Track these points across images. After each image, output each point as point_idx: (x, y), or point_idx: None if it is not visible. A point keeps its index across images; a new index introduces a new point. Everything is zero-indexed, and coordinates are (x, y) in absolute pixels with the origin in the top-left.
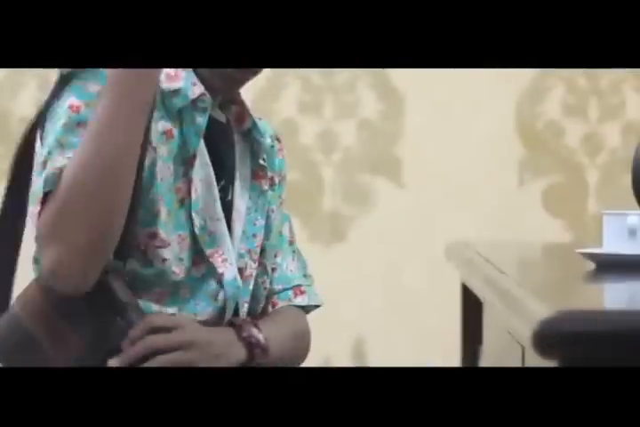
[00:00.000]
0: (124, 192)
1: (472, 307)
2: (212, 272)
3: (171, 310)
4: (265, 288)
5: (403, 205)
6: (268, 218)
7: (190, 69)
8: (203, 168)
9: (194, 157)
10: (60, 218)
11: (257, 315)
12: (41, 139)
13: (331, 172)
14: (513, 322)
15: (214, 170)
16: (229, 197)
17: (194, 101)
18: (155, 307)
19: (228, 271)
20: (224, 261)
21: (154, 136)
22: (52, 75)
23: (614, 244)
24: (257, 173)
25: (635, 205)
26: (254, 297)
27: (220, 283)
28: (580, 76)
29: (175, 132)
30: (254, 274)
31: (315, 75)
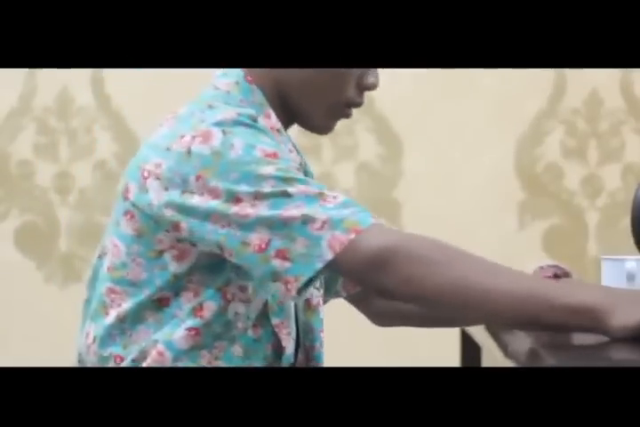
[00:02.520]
0: None
1: (471, 351)
2: (268, 338)
3: (222, 363)
4: None
5: None
6: None
7: (285, 134)
8: None
9: None
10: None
11: None
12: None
13: None
14: None
15: None
16: None
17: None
18: (204, 360)
19: (289, 346)
20: (288, 334)
21: None
22: (51, 119)
23: None
24: None
25: (634, 247)
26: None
27: (279, 355)
28: (579, 118)
29: None
30: (321, 302)
31: None
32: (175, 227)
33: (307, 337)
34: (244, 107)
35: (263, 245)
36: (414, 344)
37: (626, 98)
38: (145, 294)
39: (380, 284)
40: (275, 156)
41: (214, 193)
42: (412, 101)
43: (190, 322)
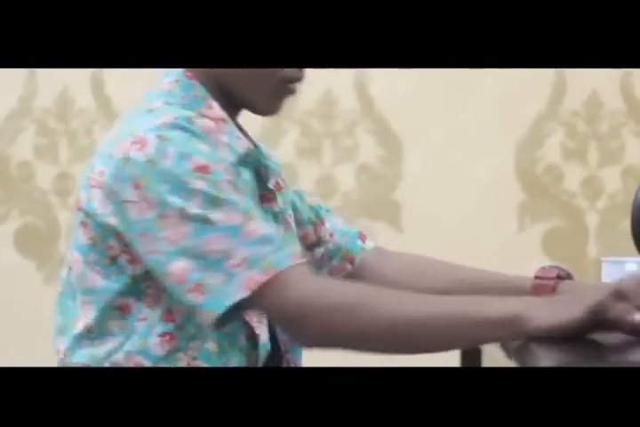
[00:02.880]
0: None
1: (471, 356)
2: (240, 330)
3: (201, 363)
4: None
5: (402, 249)
6: (294, 210)
7: (230, 122)
8: None
9: None
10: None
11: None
12: None
13: None
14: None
15: None
16: None
17: (242, 157)
18: (183, 362)
19: (263, 333)
20: (259, 322)
21: None
22: (50, 121)
23: None
24: (266, 196)
25: (634, 249)
26: None
27: (255, 345)
28: (579, 120)
29: None
30: None
31: (314, 121)
32: (118, 235)
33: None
34: (185, 103)
35: (182, 278)
36: None
37: (626, 100)
38: (105, 300)
39: (297, 336)
40: (206, 169)
41: (149, 203)
42: (412, 103)
43: (161, 328)
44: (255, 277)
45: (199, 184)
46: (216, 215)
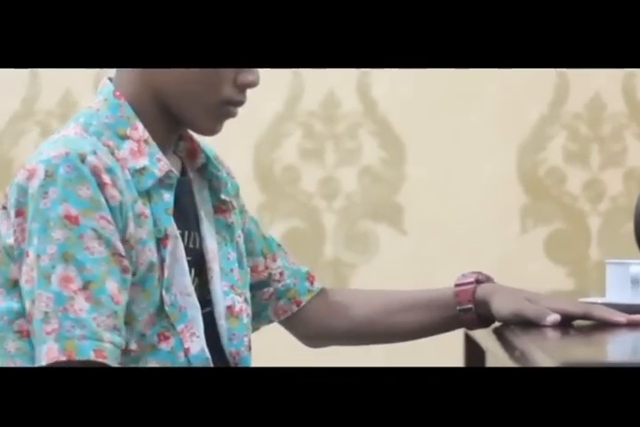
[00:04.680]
0: None
1: (475, 355)
2: (180, 347)
3: None
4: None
5: (405, 251)
6: (249, 237)
7: (153, 144)
8: (172, 241)
9: (166, 237)
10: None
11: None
12: None
13: (332, 218)
14: None
15: (176, 222)
16: (198, 246)
17: (161, 179)
18: None
19: (194, 345)
20: (192, 335)
21: (133, 220)
22: (54, 122)
23: (617, 293)
24: (219, 207)
25: (636, 252)
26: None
27: (187, 357)
28: (581, 123)
29: (147, 212)
30: (244, 307)
31: (317, 122)
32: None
33: (231, 343)
34: (109, 123)
35: (28, 317)
36: (418, 349)
37: (628, 102)
38: (5, 320)
39: None
40: (75, 221)
41: (23, 233)
42: (414, 105)
43: None
44: (55, 353)
45: (60, 234)
46: (57, 275)
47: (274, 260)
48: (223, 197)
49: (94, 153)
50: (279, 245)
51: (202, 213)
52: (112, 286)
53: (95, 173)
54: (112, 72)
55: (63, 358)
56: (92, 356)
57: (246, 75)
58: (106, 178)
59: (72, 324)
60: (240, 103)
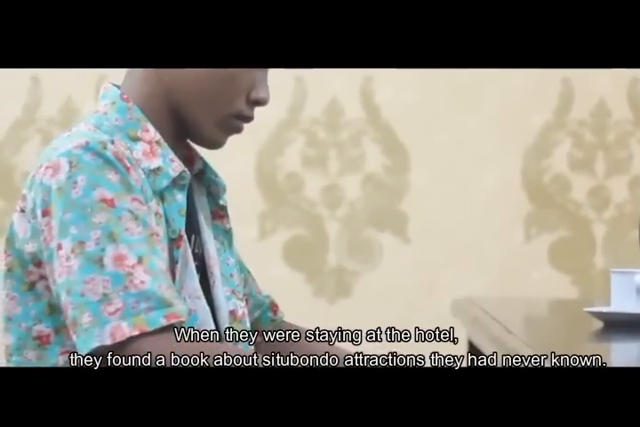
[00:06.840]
0: None
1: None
2: None
3: None
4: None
5: (408, 260)
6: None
7: (165, 145)
8: (184, 243)
9: (180, 237)
10: None
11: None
12: None
13: (336, 226)
14: None
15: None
16: (200, 251)
17: (175, 180)
18: None
19: None
20: None
21: (153, 216)
22: (56, 130)
23: (622, 302)
24: (217, 213)
25: None
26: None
27: None
28: (586, 130)
29: (161, 212)
30: (246, 312)
31: (320, 129)
32: (37, 262)
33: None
34: (119, 125)
35: (67, 312)
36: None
37: (633, 109)
38: (23, 327)
39: None
40: (111, 202)
41: (53, 231)
42: (418, 112)
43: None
44: (124, 329)
45: (100, 217)
46: (109, 257)
47: (245, 283)
48: (221, 202)
49: (112, 142)
50: (249, 272)
51: (201, 219)
52: (159, 263)
53: (118, 157)
54: (114, 78)
55: (135, 333)
56: (163, 322)
57: (259, 91)
58: (128, 163)
59: (136, 299)
60: (249, 119)
